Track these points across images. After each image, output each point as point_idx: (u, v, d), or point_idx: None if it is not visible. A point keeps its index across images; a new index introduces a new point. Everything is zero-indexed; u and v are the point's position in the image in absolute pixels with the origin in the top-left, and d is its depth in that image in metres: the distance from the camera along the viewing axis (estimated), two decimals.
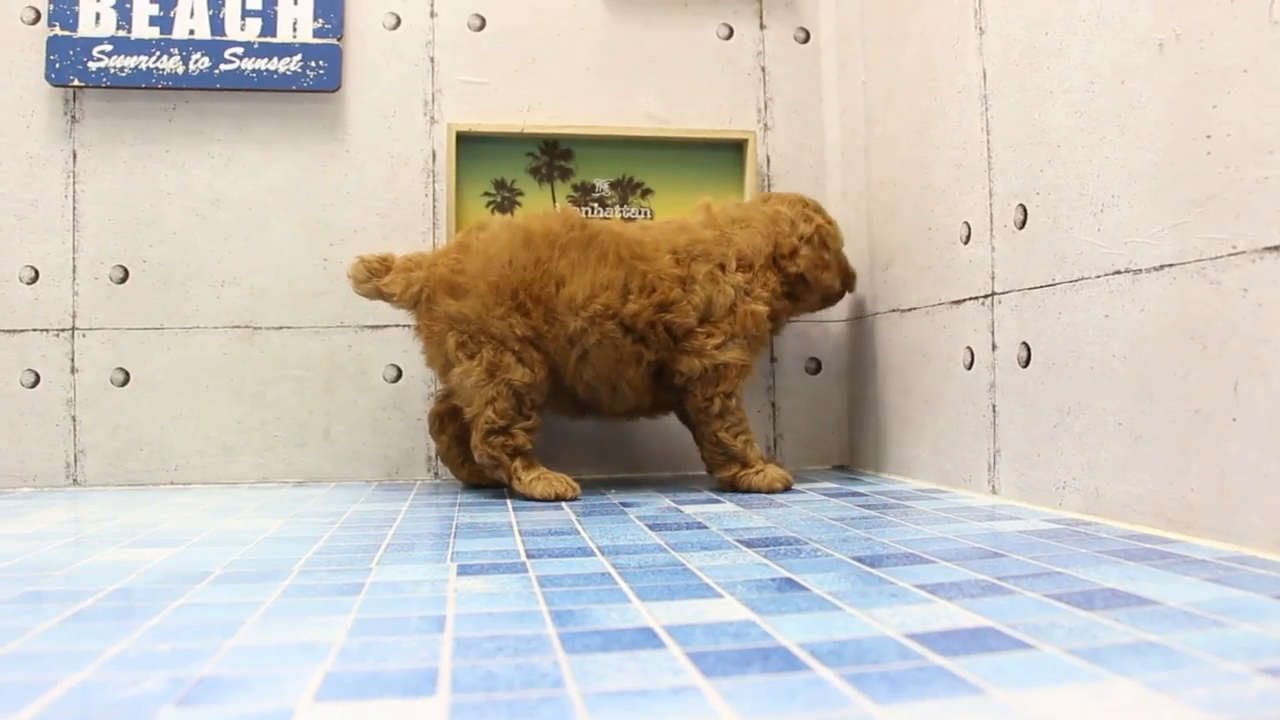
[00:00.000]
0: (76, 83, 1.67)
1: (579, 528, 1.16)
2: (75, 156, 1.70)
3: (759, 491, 1.48)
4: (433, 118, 1.76)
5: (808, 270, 1.56)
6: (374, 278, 1.51)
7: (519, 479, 1.44)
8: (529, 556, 0.97)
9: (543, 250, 1.46)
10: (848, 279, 1.67)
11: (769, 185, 1.84)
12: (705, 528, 1.14)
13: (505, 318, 1.44)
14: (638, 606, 0.75)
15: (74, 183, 1.70)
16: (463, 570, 0.91)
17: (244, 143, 1.73)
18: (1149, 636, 0.64)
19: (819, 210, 1.63)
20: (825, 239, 1.59)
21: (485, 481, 1.59)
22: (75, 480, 1.68)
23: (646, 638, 0.66)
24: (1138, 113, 1.07)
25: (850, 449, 1.85)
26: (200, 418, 1.71)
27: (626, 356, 1.47)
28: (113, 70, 1.67)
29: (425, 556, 0.98)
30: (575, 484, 1.45)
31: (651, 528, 1.15)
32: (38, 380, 1.68)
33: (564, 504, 1.38)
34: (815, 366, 1.86)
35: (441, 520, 1.24)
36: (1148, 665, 0.58)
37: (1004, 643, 0.63)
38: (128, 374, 1.70)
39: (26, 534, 1.17)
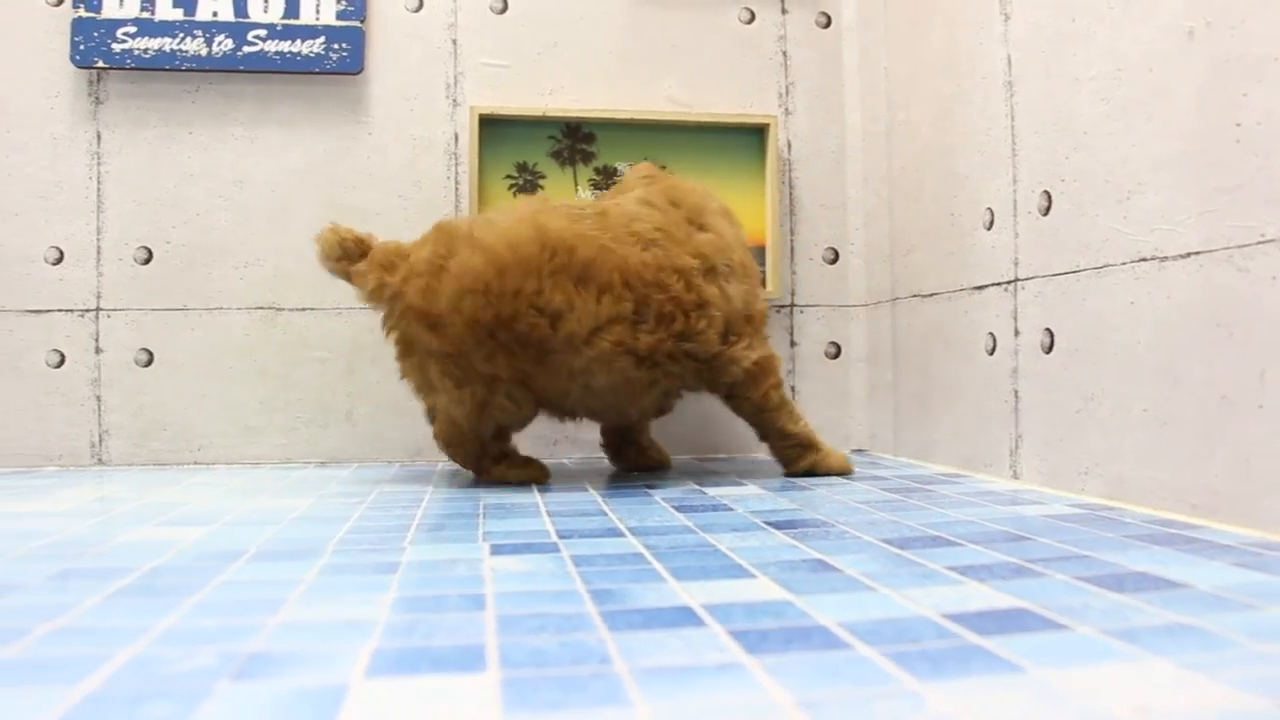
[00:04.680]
0: (101, 64, 1.67)
1: (606, 509, 1.17)
2: (99, 138, 1.71)
3: (833, 473, 1.48)
4: (455, 100, 1.77)
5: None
6: (346, 259, 1.42)
7: (489, 472, 1.44)
8: (560, 537, 0.98)
9: (521, 280, 1.32)
10: None
11: (790, 170, 1.84)
12: (731, 510, 1.15)
13: (490, 359, 1.34)
14: (674, 586, 0.76)
15: (98, 164, 1.71)
16: (496, 550, 0.92)
17: (267, 124, 1.74)
18: (1181, 619, 0.65)
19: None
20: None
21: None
22: (100, 460, 1.70)
23: (686, 616, 0.67)
24: (1166, 100, 1.08)
25: (870, 433, 1.85)
26: (223, 398, 1.72)
27: (640, 386, 1.39)
28: (136, 52, 1.68)
29: (456, 536, 0.99)
30: (546, 468, 1.46)
31: (678, 509, 1.16)
32: (63, 360, 1.69)
33: (588, 486, 1.39)
34: (835, 351, 1.86)
35: (468, 501, 1.25)
36: (1183, 646, 0.59)
37: (1039, 623, 0.64)
38: (151, 354, 1.71)
39: (58, 512, 1.18)
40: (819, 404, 1.86)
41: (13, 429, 1.68)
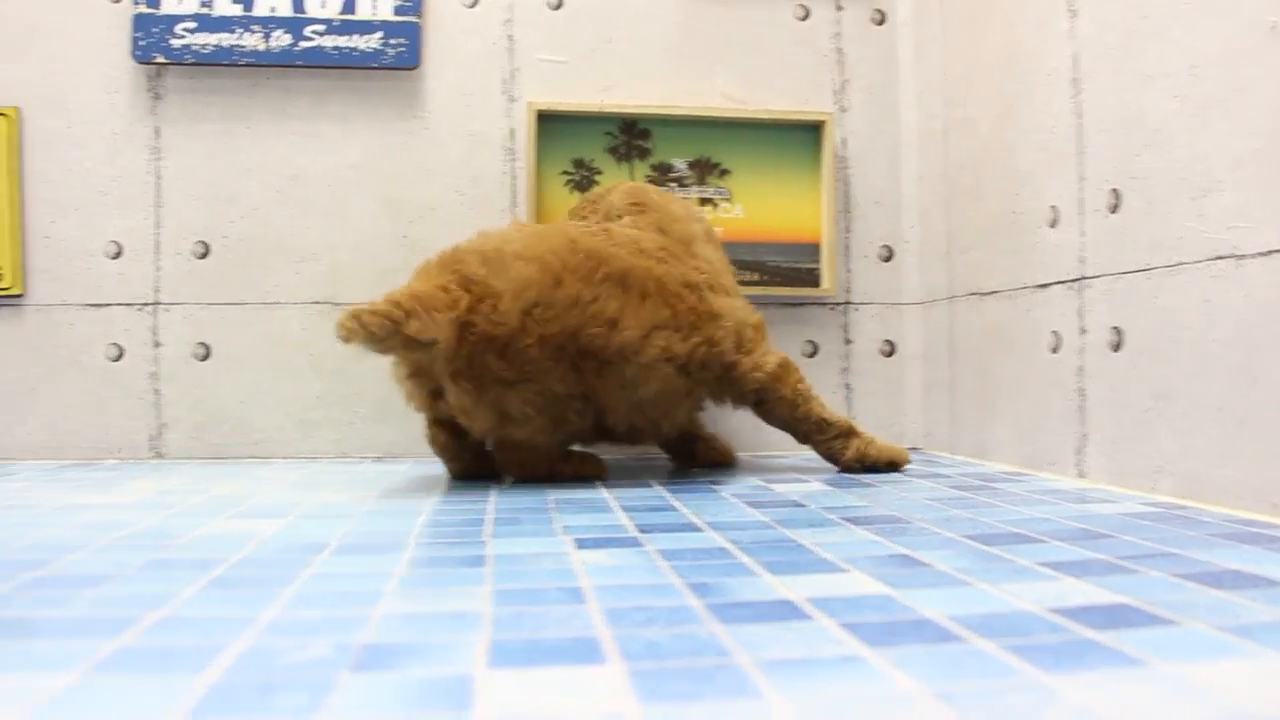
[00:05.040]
0: (160, 60, 1.68)
1: (677, 504, 1.17)
2: (158, 133, 1.72)
3: (883, 459, 1.48)
4: (511, 96, 1.77)
5: None
6: (399, 327, 1.20)
7: (561, 474, 1.40)
8: (640, 531, 0.98)
9: (578, 288, 1.29)
10: None
11: (845, 168, 1.84)
12: (803, 505, 1.15)
13: (564, 378, 1.29)
14: (769, 580, 0.76)
15: (157, 159, 1.72)
16: (580, 544, 0.92)
17: (324, 119, 1.74)
18: None
19: None
20: None
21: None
22: (158, 453, 1.71)
23: (791, 610, 0.67)
24: (1245, 97, 1.07)
25: (925, 431, 1.85)
26: (280, 393, 1.72)
27: (679, 395, 1.39)
28: (195, 47, 1.68)
29: (535, 530, 0.99)
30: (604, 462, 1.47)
31: (750, 505, 1.16)
32: (121, 354, 1.70)
33: (652, 482, 1.39)
34: (889, 349, 1.86)
35: (534, 495, 1.25)
36: None
37: (1146, 619, 0.64)
38: (209, 348, 1.72)
39: (128, 504, 1.19)
40: (873, 402, 1.86)
41: (73, 422, 1.70)
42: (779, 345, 1.77)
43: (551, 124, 1.74)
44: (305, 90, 1.74)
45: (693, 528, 1.00)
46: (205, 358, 1.71)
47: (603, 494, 1.27)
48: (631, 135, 1.77)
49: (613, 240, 1.39)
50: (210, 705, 0.49)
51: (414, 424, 1.69)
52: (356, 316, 1.19)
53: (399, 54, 1.71)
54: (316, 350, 1.73)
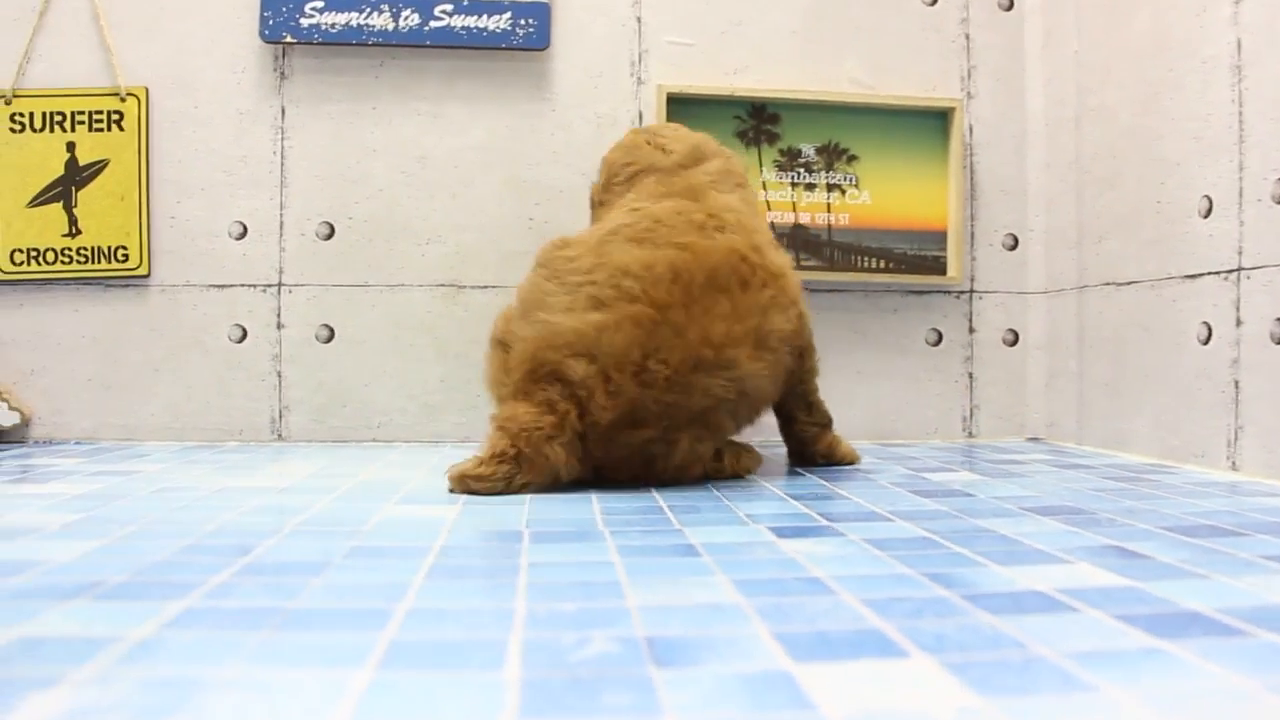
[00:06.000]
0: (289, 39, 1.67)
1: (840, 491, 1.16)
2: (284, 113, 1.71)
3: (846, 461, 1.43)
4: (639, 78, 1.75)
5: None
6: (509, 484, 1.13)
7: (729, 470, 1.29)
8: (828, 520, 0.97)
9: (678, 318, 1.17)
10: None
11: (971, 155, 1.81)
12: (972, 495, 1.13)
13: (707, 391, 1.18)
14: (1000, 571, 0.74)
15: (282, 139, 1.71)
16: (778, 533, 0.90)
17: (450, 100, 1.73)
18: None
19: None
20: None
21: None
22: (280, 435, 1.70)
23: (1049, 601, 0.65)
24: None
25: (1047, 422, 1.82)
26: (403, 376, 1.72)
27: (785, 372, 1.31)
28: (324, 27, 1.68)
29: (719, 518, 0.98)
30: None
31: (917, 494, 1.14)
32: (245, 335, 1.70)
33: (801, 470, 1.37)
34: (1013, 338, 1.83)
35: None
36: None
37: None
38: (332, 330, 1.71)
39: (284, 487, 1.18)
40: (994, 391, 1.83)
41: (196, 403, 1.69)
42: (904, 333, 1.76)
43: (680, 107, 1.72)
44: (432, 71, 1.73)
45: (877, 516, 0.98)
46: (328, 340, 1.71)
47: (762, 482, 1.25)
48: (760, 119, 1.75)
49: (669, 228, 1.25)
50: (536, 704, 0.47)
51: None
52: (463, 481, 1.13)
53: (528, 35, 1.70)
54: (440, 333, 1.72)
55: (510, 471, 1.12)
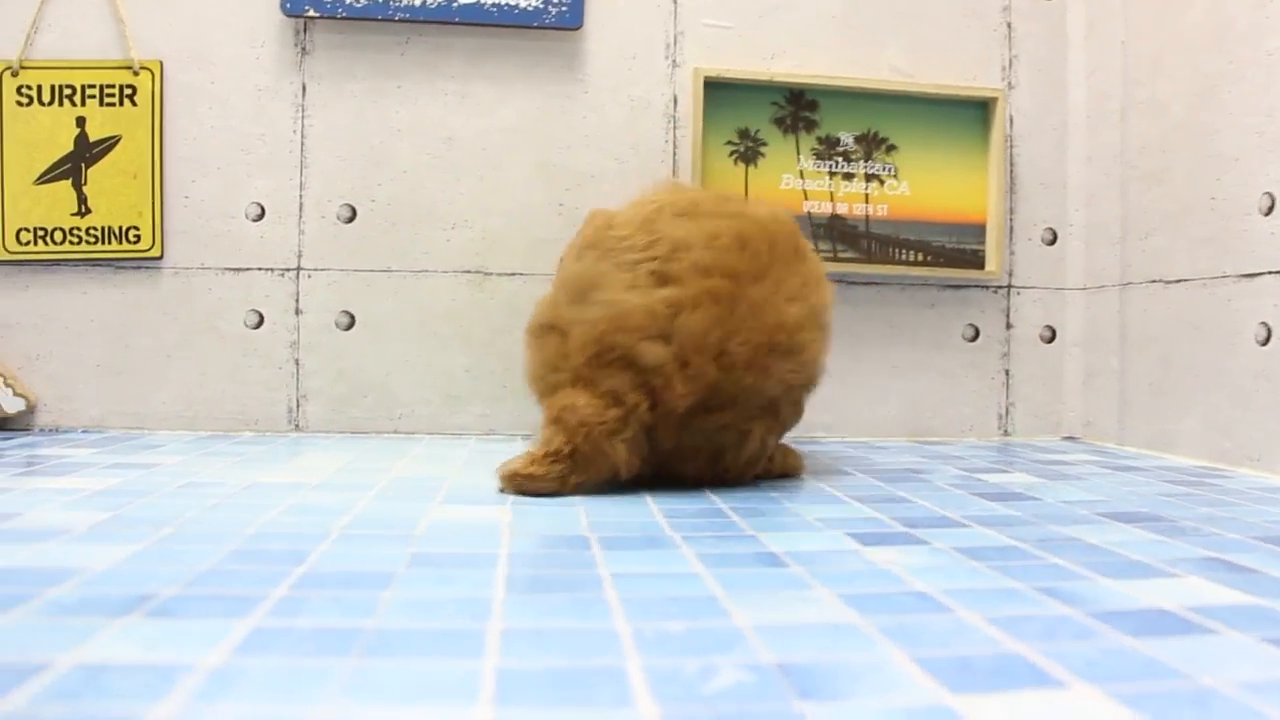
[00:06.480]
0: (312, 13, 1.61)
1: (900, 493, 1.11)
2: (304, 90, 1.65)
3: (789, 471, 1.25)
4: (674, 61, 1.69)
5: None
6: (563, 485, 1.06)
7: (778, 469, 1.23)
8: (906, 526, 0.92)
9: (754, 293, 1.10)
10: None
11: (1011, 146, 1.76)
12: (1038, 499, 1.08)
13: (782, 377, 1.12)
14: (1112, 585, 0.70)
15: (302, 117, 1.65)
16: (861, 539, 0.85)
17: (478, 80, 1.67)
18: None
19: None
20: None
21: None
22: (297, 426, 1.64)
23: (1180, 622, 0.61)
24: None
25: (1085, 421, 1.77)
26: (427, 365, 1.65)
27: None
28: (349, 1, 1.61)
29: (787, 522, 0.93)
30: None
31: (980, 497, 1.09)
32: (261, 321, 1.64)
33: (850, 469, 1.32)
34: (1050, 335, 1.78)
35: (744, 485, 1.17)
36: None
37: None
38: (353, 317, 1.65)
39: (316, 483, 1.12)
40: (1030, 388, 1.78)
41: (210, 390, 1.63)
42: (941, 328, 1.71)
43: (715, 91, 1.66)
44: (460, 49, 1.66)
45: (952, 523, 0.94)
46: (349, 327, 1.65)
47: (816, 483, 1.20)
48: (799, 106, 1.69)
49: (712, 200, 1.17)
50: None
51: None
52: (515, 480, 1.06)
53: (561, 14, 1.63)
54: (465, 321, 1.65)
55: (565, 471, 1.05)
